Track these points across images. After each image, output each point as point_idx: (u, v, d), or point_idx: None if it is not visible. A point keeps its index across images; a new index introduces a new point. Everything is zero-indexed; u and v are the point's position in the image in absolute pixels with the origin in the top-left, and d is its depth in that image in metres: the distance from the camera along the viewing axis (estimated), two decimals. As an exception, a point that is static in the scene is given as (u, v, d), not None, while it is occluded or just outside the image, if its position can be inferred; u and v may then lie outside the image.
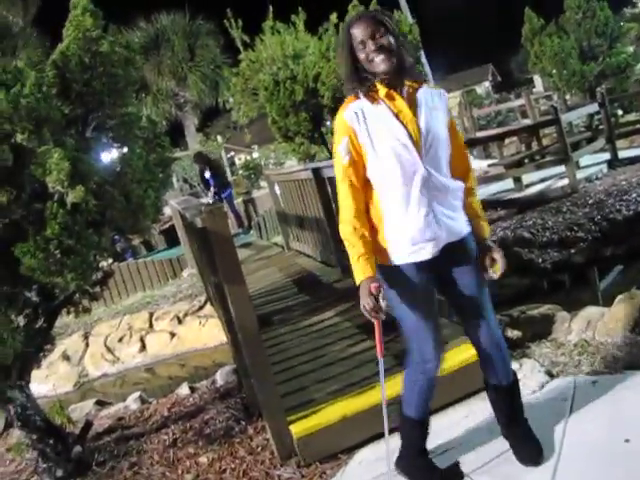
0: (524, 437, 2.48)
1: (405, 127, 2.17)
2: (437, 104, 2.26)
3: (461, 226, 2.30)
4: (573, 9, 13.46)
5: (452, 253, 2.29)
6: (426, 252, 2.24)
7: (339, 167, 2.25)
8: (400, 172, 2.17)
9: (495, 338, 2.38)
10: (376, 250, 2.25)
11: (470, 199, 2.38)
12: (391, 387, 3.05)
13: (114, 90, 3.53)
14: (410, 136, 2.16)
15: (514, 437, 2.50)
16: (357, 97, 2.23)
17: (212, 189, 11.71)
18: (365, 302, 2.11)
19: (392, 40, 2.16)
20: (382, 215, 2.25)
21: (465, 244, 2.31)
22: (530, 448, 2.45)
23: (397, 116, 2.18)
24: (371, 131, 2.18)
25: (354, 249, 2.19)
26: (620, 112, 14.43)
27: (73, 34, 3.25)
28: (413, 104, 2.20)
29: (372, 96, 2.20)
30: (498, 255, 2.32)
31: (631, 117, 13.71)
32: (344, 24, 2.31)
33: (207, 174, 11.75)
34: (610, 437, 2.44)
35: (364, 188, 2.25)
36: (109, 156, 4.07)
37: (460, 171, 2.35)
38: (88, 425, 3.77)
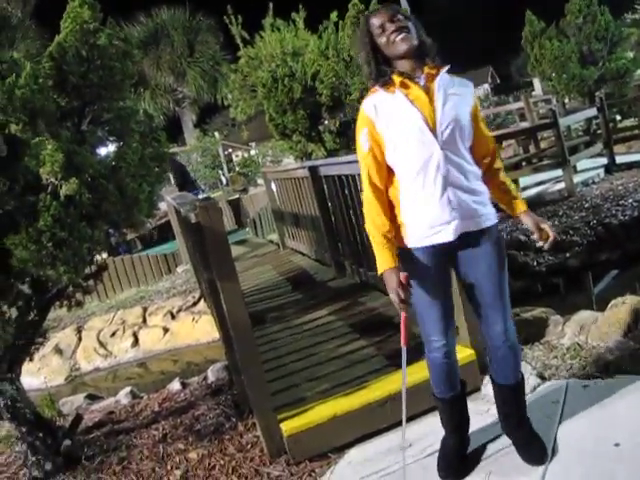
0: (529, 437, 2.49)
1: (421, 112, 2.21)
2: (457, 90, 2.28)
3: (483, 215, 2.30)
4: (574, 13, 13.45)
5: (471, 243, 2.30)
6: (442, 235, 2.26)
7: (360, 156, 2.34)
8: (417, 156, 2.23)
9: (509, 335, 2.39)
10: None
11: (500, 179, 2.42)
12: (382, 387, 3.07)
13: (111, 83, 3.51)
14: (426, 120, 2.20)
15: (519, 437, 2.49)
16: (376, 90, 2.30)
17: None
18: (395, 294, 2.18)
19: (410, 23, 2.23)
20: (400, 198, 2.31)
21: (486, 235, 2.31)
22: (535, 448, 2.45)
23: (413, 102, 2.22)
24: (388, 120, 2.25)
25: (374, 239, 2.29)
26: (618, 117, 14.45)
27: (70, 26, 3.23)
28: (430, 90, 2.23)
29: (388, 87, 2.26)
30: (545, 224, 2.33)
31: (629, 122, 13.74)
32: (362, 19, 2.37)
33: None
34: (600, 441, 2.44)
35: (385, 174, 2.32)
36: (105, 149, 4.05)
37: (485, 155, 2.39)
38: (78, 419, 3.75)
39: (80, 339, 7.99)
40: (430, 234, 2.26)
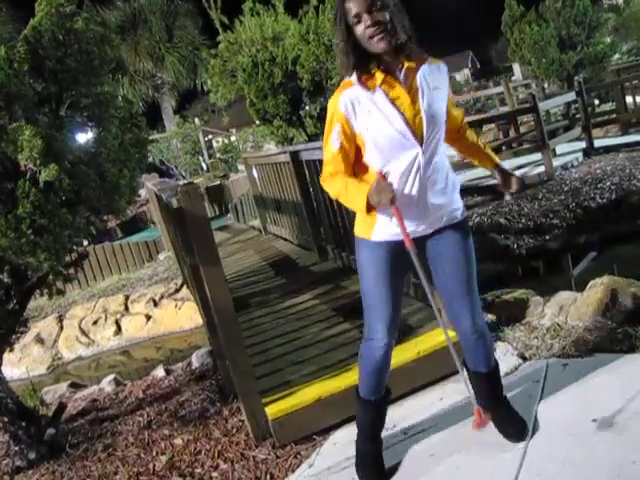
0: (508, 415, 2.52)
1: (402, 114, 2.10)
2: (438, 82, 2.19)
3: (453, 211, 2.29)
4: (553, -3, 13.52)
5: (439, 237, 2.30)
6: (411, 234, 2.23)
7: (328, 153, 2.22)
8: (399, 160, 2.14)
9: (478, 326, 2.37)
10: (361, 222, 2.29)
11: (469, 142, 2.48)
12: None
13: (89, 68, 3.46)
14: (407, 122, 2.11)
15: (498, 416, 2.52)
16: (352, 83, 2.14)
17: None
18: (385, 196, 2.04)
19: (388, 16, 2.03)
20: None
21: (454, 230, 2.30)
22: (515, 425, 2.49)
23: (394, 103, 2.10)
24: (367, 119, 2.12)
25: (347, 189, 2.17)
26: (597, 102, 14.59)
27: (45, 9, 3.16)
28: (412, 88, 2.12)
29: (367, 83, 2.11)
30: (513, 177, 2.37)
31: (607, 107, 13.86)
32: (337, 1, 2.11)
33: None
34: (579, 417, 2.49)
35: (351, 170, 2.23)
36: (84, 135, 4.00)
37: (453, 128, 2.40)
38: (62, 407, 3.73)
39: (62, 328, 7.92)
40: (399, 231, 2.20)
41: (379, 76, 2.11)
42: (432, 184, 2.20)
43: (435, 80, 2.18)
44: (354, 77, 2.13)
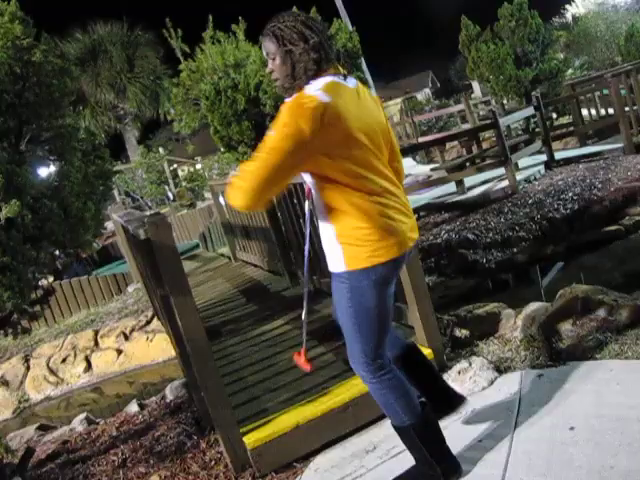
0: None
1: None
2: None
3: (329, 262, 2.24)
4: (506, 17, 13.90)
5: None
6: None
7: None
8: None
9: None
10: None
11: None
12: (343, 392, 3.07)
13: (49, 101, 3.42)
14: None
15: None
16: None
17: None
18: None
19: (278, 62, 2.16)
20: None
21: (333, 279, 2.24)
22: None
23: None
24: None
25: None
26: (554, 115, 14.97)
27: (1, 42, 3.12)
28: None
29: None
30: None
31: (564, 120, 14.24)
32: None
33: None
34: (556, 427, 2.50)
35: None
36: (46, 169, 3.94)
37: None
38: (29, 452, 3.59)
39: (28, 368, 7.69)
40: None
41: None
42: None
43: None
44: None
